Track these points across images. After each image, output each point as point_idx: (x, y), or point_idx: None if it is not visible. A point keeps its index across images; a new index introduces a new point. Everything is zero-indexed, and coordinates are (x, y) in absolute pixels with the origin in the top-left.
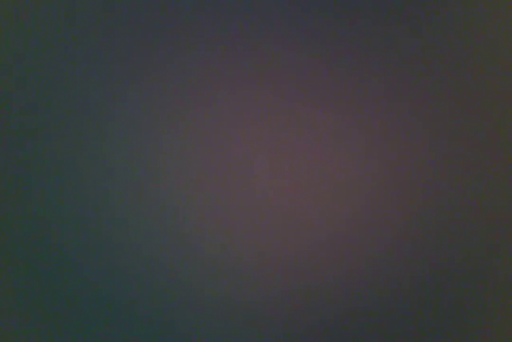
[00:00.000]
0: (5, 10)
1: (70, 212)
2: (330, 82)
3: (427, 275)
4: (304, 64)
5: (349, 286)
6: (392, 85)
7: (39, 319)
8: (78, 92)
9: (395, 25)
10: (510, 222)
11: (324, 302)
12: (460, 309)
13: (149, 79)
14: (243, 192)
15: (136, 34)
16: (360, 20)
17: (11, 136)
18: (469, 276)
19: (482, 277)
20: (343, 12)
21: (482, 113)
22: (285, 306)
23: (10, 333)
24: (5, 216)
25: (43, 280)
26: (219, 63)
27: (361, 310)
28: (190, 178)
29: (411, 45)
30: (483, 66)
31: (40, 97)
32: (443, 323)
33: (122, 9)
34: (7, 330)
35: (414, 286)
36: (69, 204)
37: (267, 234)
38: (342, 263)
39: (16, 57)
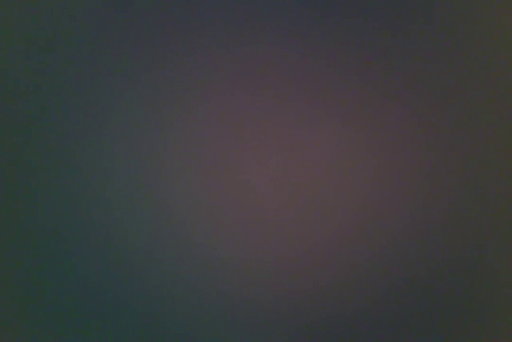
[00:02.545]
0: (5, 9)
1: (70, 212)
2: (332, 84)
3: (427, 275)
4: (307, 66)
5: (349, 287)
6: (394, 87)
7: (42, 319)
8: (79, 92)
9: (398, 28)
10: (510, 222)
11: (324, 303)
12: (461, 311)
13: (150, 80)
14: (244, 192)
15: (139, 31)
16: (364, 24)
17: (10, 136)
18: (469, 277)
19: (482, 277)
20: (348, 15)
21: (483, 114)
22: (284, 306)
23: (10, 333)
24: (5, 216)
25: (43, 279)
26: (222, 64)
27: (361, 311)
28: (192, 178)
29: (414, 47)
30: (485, 68)
31: (40, 96)
32: (442, 324)
33: (122, 8)
34: (8, 330)
35: (414, 286)
36: (69, 204)
37: (268, 234)
38: (341, 264)
39: (15, 56)
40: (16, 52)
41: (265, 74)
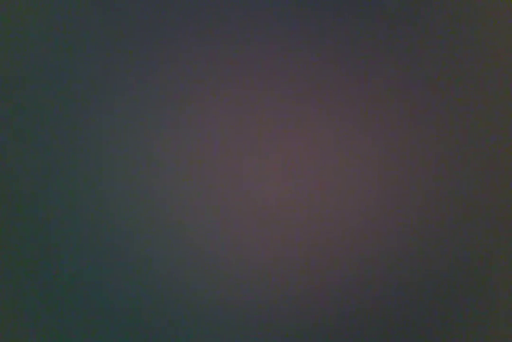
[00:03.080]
0: (5, 7)
1: (69, 212)
2: (333, 82)
3: (428, 278)
4: (307, 64)
5: (350, 288)
6: (397, 85)
7: (40, 323)
8: (74, 92)
9: (398, 25)
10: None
11: (325, 305)
12: (462, 315)
13: (148, 79)
14: (244, 193)
15: (139, 30)
16: (363, 21)
17: (8, 135)
18: (472, 279)
19: (484, 279)
20: (346, 12)
21: (485, 113)
22: (285, 308)
23: (11, 334)
24: (3, 216)
25: (42, 282)
26: (222, 62)
27: (362, 313)
28: (192, 178)
29: (414, 45)
30: (485, 65)
31: (39, 95)
32: (446, 325)
33: (123, 5)
34: (8, 331)
35: (415, 288)
36: (68, 205)
37: (269, 236)
38: (343, 266)
39: (16, 53)
40: (14, 52)
41: (264, 74)
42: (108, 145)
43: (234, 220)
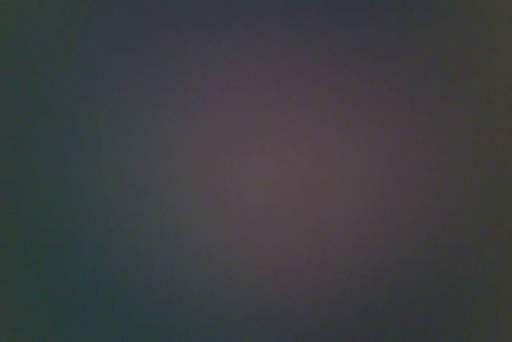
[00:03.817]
0: (5, 6)
1: (68, 213)
2: (335, 83)
3: (430, 279)
4: (307, 64)
5: (351, 290)
6: (399, 85)
7: (38, 324)
8: (74, 91)
9: (398, 25)
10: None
11: (326, 306)
12: (462, 314)
13: (147, 78)
14: (244, 194)
15: (135, 28)
16: (368, 21)
17: (7, 135)
18: (474, 281)
19: (484, 279)
20: (347, 12)
21: (487, 114)
22: (286, 309)
23: (10, 334)
24: (2, 217)
25: (41, 282)
26: (225, 60)
27: (363, 314)
28: (192, 179)
29: (414, 45)
30: (485, 66)
31: (38, 95)
32: (447, 325)
33: (123, 3)
34: (7, 330)
35: (417, 289)
36: (67, 206)
37: (270, 237)
38: (344, 267)
39: (15, 51)
40: (12, 50)
41: (265, 73)
42: (107, 144)
43: (233, 220)
